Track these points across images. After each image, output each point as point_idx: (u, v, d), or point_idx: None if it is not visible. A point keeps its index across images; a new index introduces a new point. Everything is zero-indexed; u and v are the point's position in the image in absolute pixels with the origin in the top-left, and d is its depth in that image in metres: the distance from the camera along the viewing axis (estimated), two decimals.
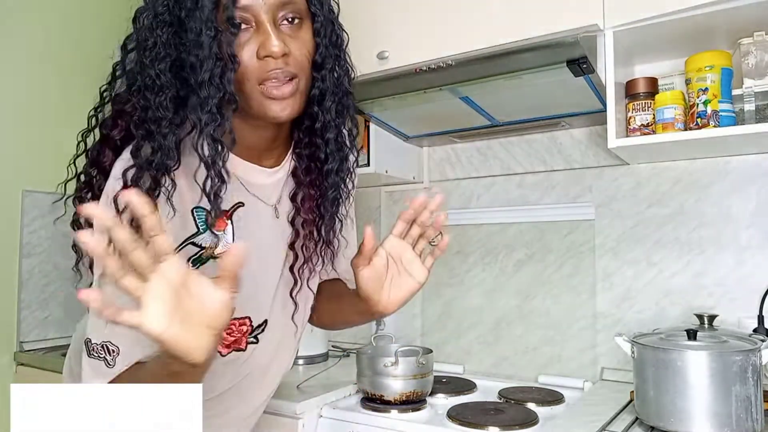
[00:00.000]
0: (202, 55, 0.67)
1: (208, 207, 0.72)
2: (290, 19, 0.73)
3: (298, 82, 0.74)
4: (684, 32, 1.27)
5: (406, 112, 1.56)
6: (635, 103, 1.32)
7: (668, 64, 1.42)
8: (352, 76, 0.84)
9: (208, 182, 0.70)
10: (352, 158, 0.89)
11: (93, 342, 0.73)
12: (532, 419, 1.21)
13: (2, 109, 1.97)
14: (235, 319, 0.81)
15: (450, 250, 1.78)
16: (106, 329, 0.72)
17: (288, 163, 0.87)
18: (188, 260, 0.76)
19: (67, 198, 0.79)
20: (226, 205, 0.76)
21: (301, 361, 1.71)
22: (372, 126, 1.67)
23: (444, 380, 1.54)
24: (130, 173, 0.70)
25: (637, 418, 1.14)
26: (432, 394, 1.40)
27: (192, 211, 0.76)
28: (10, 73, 1.98)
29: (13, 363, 1.96)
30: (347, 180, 0.88)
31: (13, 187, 1.96)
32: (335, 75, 0.79)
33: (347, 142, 0.86)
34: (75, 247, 0.75)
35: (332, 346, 1.89)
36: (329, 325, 1.05)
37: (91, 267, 0.73)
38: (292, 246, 0.87)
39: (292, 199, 0.87)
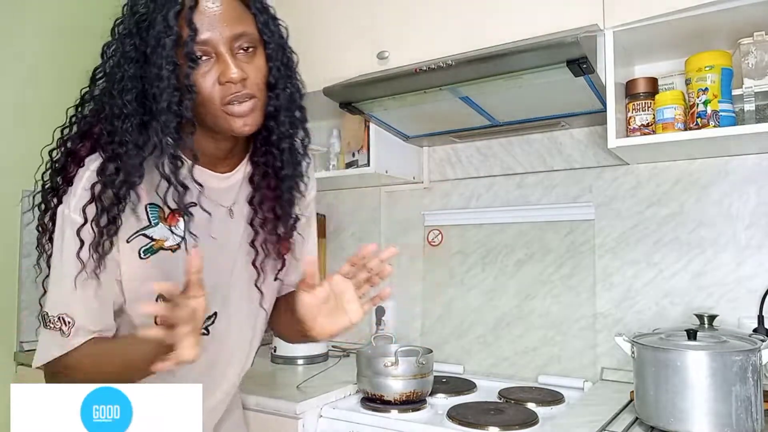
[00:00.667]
0: (162, 86, 0.78)
1: (158, 202, 0.85)
2: (245, 48, 0.83)
3: (256, 102, 0.84)
4: (684, 32, 1.27)
5: (406, 112, 1.56)
6: (635, 103, 1.32)
7: (668, 64, 1.42)
8: (303, 92, 0.94)
9: (171, 193, 0.82)
10: (304, 164, 0.98)
11: (50, 314, 0.83)
12: (532, 419, 1.21)
13: (2, 109, 1.97)
14: None
15: (450, 250, 1.78)
16: (62, 302, 0.82)
17: (243, 170, 0.96)
18: (140, 249, 0.86)
19: (35, 206, 0.89)
20: (179, 204, 0.85)
21: (301, 361, 1.71)
22: (372, 126, 1.67)
23: (444, 380, 1.54)
24: (97, 188, 0.81)
25: (637, 418, 1.14)
26: (432, 394, 1.40)
27: (146, 206, 0.86)
28: (10, 74, 1.99)
29: (13, 363, 1.96)
30: (300, 183, 0.97)
31: (13, 187, 1.96)
32: (288, 92, 0.90)
33: (300, 150, 0.95)
34: (39, 245, 0.88)
35: (332, 346, 1.89)
36: (284, 335, 1.10)
37: (47, 261, 0.86)
38: (252, 243, 0.96)
39: (250, 202, 0.96)
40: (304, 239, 1.07)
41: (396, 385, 1.31)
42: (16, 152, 1.94)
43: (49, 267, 0.86)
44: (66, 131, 0.90)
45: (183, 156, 0.84)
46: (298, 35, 1.89)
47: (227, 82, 0.80)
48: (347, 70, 1.56)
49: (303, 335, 0.92)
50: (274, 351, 1.75)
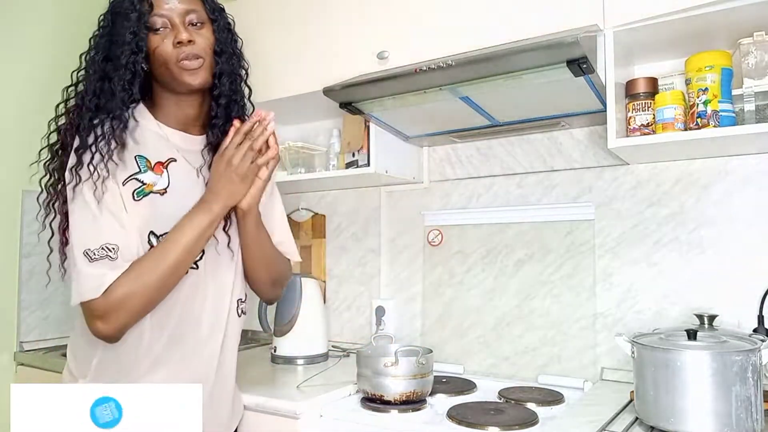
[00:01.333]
0: (123, 48, 1.00)
1: (144, 154, 1.04)
2: (194, 23, 1.06)
3: (202, 61, 1.06)
4: (684, 32, 1.27)
5: (406, 112, 1.56)
6: (635, 103, 1.32)
7: (668, 64, 1.42)
8: (247, 67, 1.16)
9: (112, 125, 1.00)
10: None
11: (92, 248, 0.95)
12: (532, 419, 1.21)
13: (2, 110, 1.97)
14: None
15: (450, 250, 1.78)
16: (98, 236, 0.95)
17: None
18: (133, 192, 1.01)
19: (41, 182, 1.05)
20: (161, 158, 1.06)
21: (301, 361, 1.71)
22: (372, 126, 1.67)
23: (444, 380, 1.54)
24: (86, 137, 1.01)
25: (637, 418, 1.14)
26: (432, 394, 1.39)
27: (135, 157, 1.04)
28: (10, 74, 1.99)
29: (13, 363, 1.96)
30: None
31: (13, 187, 1.96)
32: (232, 63, 1.11)
33: (236, 110, 1.14)
34: (46, 206, 1.03)
35: (332, 346, 1.89)
36: (252, 270, 1.20)
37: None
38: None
39: (211, 156, 1.12)
40: (272, 209, 1.24)
41: (396, 385, 1.31)
42: (16, 152, 1.94)
43: (52, 229, 1.03)
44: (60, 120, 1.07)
45: (158, 121, 1.09)
46: (298, 35, 1.90)
47: (179, 42, 1.02)
48: (347, 70, 1.57)
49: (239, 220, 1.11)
50: (274, 351, 1.75)
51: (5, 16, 1.98)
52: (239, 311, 1.16)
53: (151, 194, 1.03)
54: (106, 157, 0.99)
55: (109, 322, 0.94)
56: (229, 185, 1.03)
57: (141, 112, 1.08)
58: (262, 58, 1.65)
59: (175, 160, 1.08)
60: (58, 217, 1.03)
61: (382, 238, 1.93)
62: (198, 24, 1.06)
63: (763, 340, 1.07)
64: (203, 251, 1.06)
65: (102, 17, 1.06)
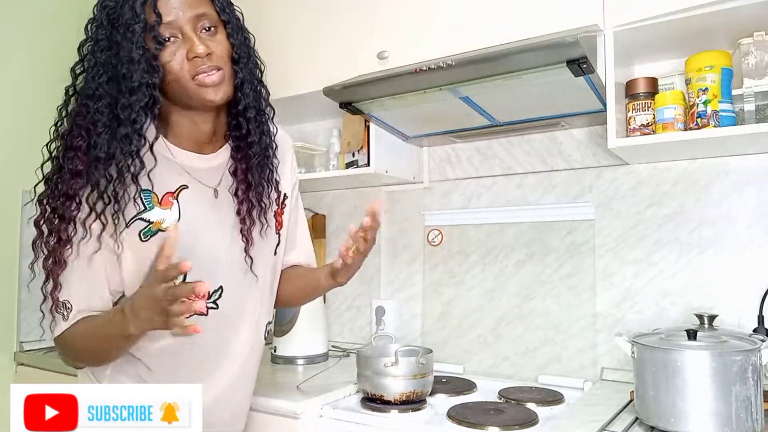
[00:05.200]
0: (134, 67, 0.87)
1: (149, 188, 0.93)
2: (207, 28, 0.93)
3: (223, 73, 0.93)
4: (684, 32, 1.27)
5: (406, 112, 1.56)
6: (635, 103, 1.32)
7: (668, 64, 1.42)
8: (262, 68, 1.04)
9: (134, 166, 0.90)
10: (272, 134, 1.08)
11: (59, 301, 0.91)
12: (532, 419, 1.21)
13: (2, 110, 1.97)
14: None
15: (450, 250, 1.78)
16: (65, 293, 0.91)
17: (226, 151, 1.05)
18: (139, 233, 0.93)
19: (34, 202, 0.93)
20: (171, 187, 0.96)
21: (301, 361, 1.71)
22: (372, 126, 1.67)
23: (444, 380, 1.54)
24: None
25: (637, 418, 1.14)
26: (432, 394, 1.39)
27: (139, 192, 0.93)
28: (10, 74, 1.99)
29: (13, 363, 1.96)
30: (269, 150, 1.06)
31: (13, 187, 1.96)
32: (250, 67, 1.00)
33: (265, 118, 1.05)
34: (34, 245, 0.91)
35: (332, 346, 1.89)
36: (286, 300, 1.20)
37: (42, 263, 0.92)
38: (238, 213, 1.03)
39: (233, 174, 1.04)
40: (296, 221, 1.20)
41: (396, 385, 1.31)
42: (16, 152, 1.94)
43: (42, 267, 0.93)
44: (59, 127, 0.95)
45: (166, 141, 0.97)
46: (298, 36, 1.89)
47: (195, 57, 0.90)
48: (347, 70, 1.56)
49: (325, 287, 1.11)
50: (274, 351, 1.75)
51: (5, 16, 1.98)
52: (265, 334, 1.12)
53: (160, 232, 0.93)
54: (122, 204, 0.89)
55: (65, 359, 0.99)
56: (152, 311, 0.84)
57: (149, 131, 0.94)
58: (262, 58, 1.65)
59: (187, 187, 0.98)
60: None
61: (382, 238, 1.93)
62: (211, 29, 0.93)
63: (763, 340, 1.07)
64: (221, 287, 1.00)
65: (93, 26, 0.91)
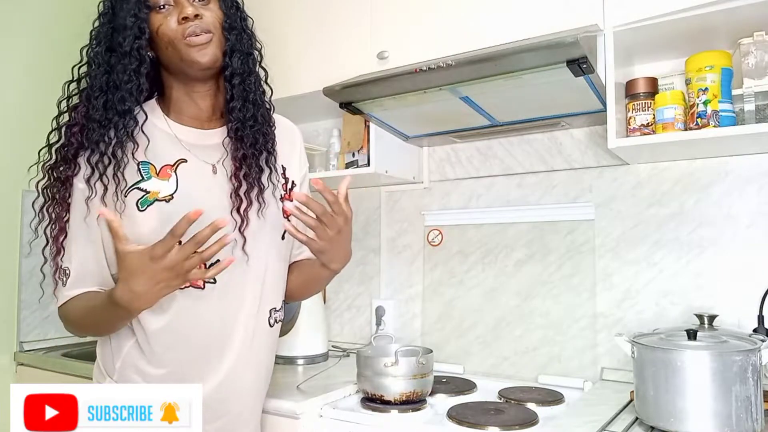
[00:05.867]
0: (126, 33, 0.93)
1: (147, 159, 0.97)
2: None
3: (211, 36, 0.97)
4: (684, 32, 1.27)
5: (406, 112, 1.56)
6: (635, 103, 1.32)
7: (668, 64, 1.42)
8: (259, 47, 1.07)
9: (129, 126, 0.95)
10: (263, 106, 1.07)
11: (61, 268, 0.96)
12: (532, 419, 1.21)
13: (2, 109, 1.97)
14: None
15: (450, 250, 1.78)
16: (67, 257, 0.96)
17: (225, 130, 1.06)
18: (137, 202, 0.95)
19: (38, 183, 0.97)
20: (170, 161, 0.99)
21: (301, 361, 1.71)
22: (372, 126, 1.67)
23: (444, 380, 1.54)
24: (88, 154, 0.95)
25: (637, 418, 1.14)
26: (432, 394, 1.39)
27: (138, 163, 0.97)
28: (10, 73, 1.99)
29: (13, 363, 1.96)
30: (259, 123, 1.05)
31: (13, 187, 1.96)
32: (242, 40, 1.02)
33: (252, 90, 1.04)
34: (40, 211, 0.96)
35: (332, 346, 1.89)
36: (293, 293, 1.20)
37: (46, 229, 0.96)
38: (236, 191, 1.02)
39: (232, 153, 1.04)
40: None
41: (396, 385, 1.31)
42: (16, 152, 1.94)
43: (46, 236, 0.97)
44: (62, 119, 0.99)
45: (167, 117, 1.02)
46: (298, 36, 1.90)
47: (184, 18, 0.95)
48: (347, 70, 1.56)
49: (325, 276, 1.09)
50: None
51: (5, 16, 1.98)
52: (271, 322, 1.10)
53: (156, 202, 0.96)
54: (122, 163, 0.94)
55: (69, 329, 1.02)
56: (149, 283, 0.86)
57: (152, 108, 1.02)
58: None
59: (186, 161, 1.01)
60: (54, 223, 0.97)
61: (382, 238, 1.93)
62: (204, 0, 0.98)
63: (763, 340, 1.07)
64: (218, 260, 0.98)
65: (101, 4, 0.99)
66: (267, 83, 1.08)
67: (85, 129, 0.94)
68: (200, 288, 0.98)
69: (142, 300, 0.87)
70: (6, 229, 1.96)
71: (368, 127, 1.69)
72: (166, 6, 0.96)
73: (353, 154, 1.76)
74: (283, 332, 1.74)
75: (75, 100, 0.98)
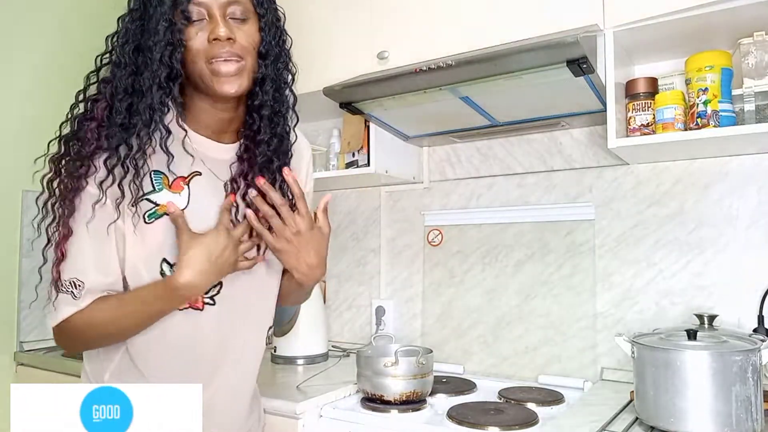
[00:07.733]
0: (156, 39, 0.86)
1: (161, 170, 0.91)
2: (237, 17, 0.90)
3: (243, 65, 0.90)
4: (684, 32, 1.27)
5: (406, 112, 1.56)
6: (635, 103, 1.32)
7: (668, 64, 1.42)
8: (294, 72, 1.00)
9: (157, 136, 0.89)
10: (288, 140, 1.01)
11: (62, 279, 0.88)
12: (532, 419, 1.21)
13: (3, 110, 1.97)
14: None
15: (450, 250, 1.78)
16: (73, 268, 0.88)
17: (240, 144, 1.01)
18: (144, 214, 0.90)
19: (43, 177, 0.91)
20: (184, 173, 0.93)
21: (301, 361, 1.71)
22: (372, 126, 1.67)
23: (444, 380, 1.54)
24: (105, 158, 0.88)
25: (637, 418, 1.14)
26: (432, 394, 1.40)
27: (150, 173, 0.91)
28: (10, 74, 1.99)
29: (13, 363, 1.96)
30: (278, 156, 0.99)
31: (13, 187, 1.96)
32: (277, 66, 0.96)
33: (282, 124, 0.99)
34: (44, 208, 0.89)
35: (332, 346, 1.89)
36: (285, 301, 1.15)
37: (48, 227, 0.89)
38: (245, 217, 0.97)
39: (244, 177, 0.98)
40: None
41: (396, 385, 1.31)
42: (16, 153, 1.94)
43: (47, 234, 0.90)
44: (75, 110, 0.92)
45: (185, 126, 0.93)
46: (298, 36, 1.89)
47: (215, 39, 0.87)
48: (347, 70, 1.57)
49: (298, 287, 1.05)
50: (274, 351, 1.75)
51: (8, 16, 1.98)
52: (267, 339, 1.07)
53: (165, 216, 0.90)
54: (142, 173, 0.88)
55: (62, 347, 0.97)
56: (210, 265, 0.88)
57: (169, 114, 0.93)
58: None
59: (200, 174, 0.95)
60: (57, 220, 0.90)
61: (382, 238, 1.93)
62: (241, 19, 0.90)
63: (763, 340, 1.07)
64: (220, 282, 0.95)
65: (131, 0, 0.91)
66: (294, 110, 1.01)
67: (106, 129, 0.88)
68: (199, 309, 0.95)
69: (205, 279, 0.89)
70: (6, 228, 1.96)
71: (368, 127, 1.69)
72: (198, 20, 0.88)
73: (353, 154, 1.76)
74: (283, 332, 1.74)
75: (92, 90, 0.91)
